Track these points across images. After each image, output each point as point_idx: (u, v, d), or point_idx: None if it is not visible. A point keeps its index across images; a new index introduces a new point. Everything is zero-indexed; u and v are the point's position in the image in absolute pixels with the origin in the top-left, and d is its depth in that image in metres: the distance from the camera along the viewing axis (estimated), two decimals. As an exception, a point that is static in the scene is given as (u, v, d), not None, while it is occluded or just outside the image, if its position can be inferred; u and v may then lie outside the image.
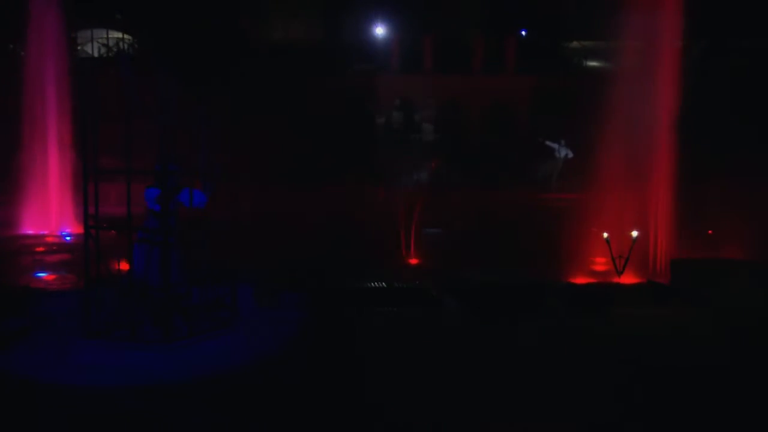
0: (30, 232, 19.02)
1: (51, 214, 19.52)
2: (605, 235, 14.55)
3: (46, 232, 18.94)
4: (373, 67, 35.35)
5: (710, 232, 16.70)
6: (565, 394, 7.54)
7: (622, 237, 14.74)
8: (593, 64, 36.83)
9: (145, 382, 7.63)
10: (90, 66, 8.31)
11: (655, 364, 8.53)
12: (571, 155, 22.83)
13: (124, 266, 8.55)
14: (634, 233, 14.37)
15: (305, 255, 16.44)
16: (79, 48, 32.62)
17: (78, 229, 17.53)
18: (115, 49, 33.06)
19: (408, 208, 18.50)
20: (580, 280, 14.54)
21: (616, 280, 13.94)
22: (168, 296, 8.14)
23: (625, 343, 9.55)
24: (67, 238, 18.19)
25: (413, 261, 17.20)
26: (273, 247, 16.39)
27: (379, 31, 37.37)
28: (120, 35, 34.65)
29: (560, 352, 9.09)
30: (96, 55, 31.59)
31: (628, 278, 14.13)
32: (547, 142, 24.89)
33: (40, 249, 16.90)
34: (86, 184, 8.45)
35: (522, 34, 37.12)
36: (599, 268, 15.35)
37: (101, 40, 34.11)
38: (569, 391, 7.60)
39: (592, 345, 9.45)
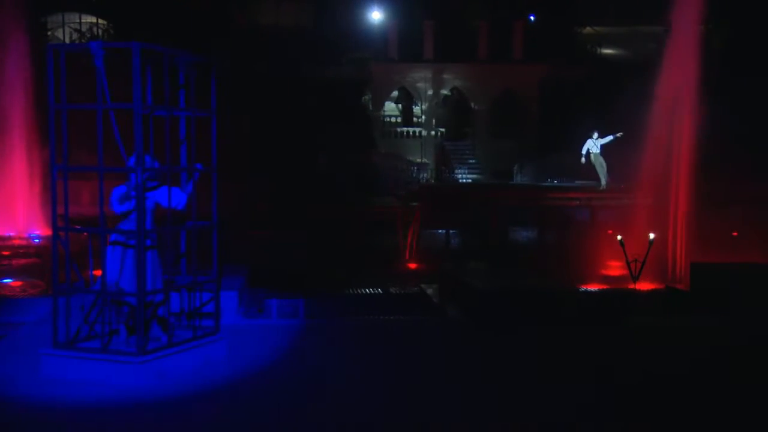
0: (-6, 234, 18.99)
1: (17, 215, 19.46)
2: (619, 237, 14.57)
3: (11, 234, 18.89)
4: (369, 55, 35.31)
5: (735, 233, 16.73)
6: (572, 414, 7.52)
7: (636, 239, 14.75)
8: (608, 51, 36.89)
9: (118, 397, 7.60)
10: (60, 52, 8.24)
11: (675, 378, 8.52)
12: (617, 135, 21.51)
13: (97, 271, 8.51)
14: (651, 235, 14.38)
15: (299, 257, 16.46)
16: (49, 33, 32.61)
17: (46, 231, 17.54)
18: (88, 35, 33.04)
19: (408, 210, 18.53)
20: (593, 285, 14.56)
21: (631, 285, 13.95)
22: (144, 303, 8.12)
23: (640, 355, 9.54)
24: (35, 241, 18.15)
25: (413, 265, 17.23)
26: (265, 250, 16.41)
27: (376, 15, 37.32)
28: (93, 19, 34.62)
29: (569, 366, 9.07)
30: (67, 40, 31.54)
31: (644, 284, 14.14)
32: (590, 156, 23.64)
33: (6, 252, 16.87)
34: (55, 181, 8.42)
35: (530, 19, 37.10)
36: (613, 272, 15.37)
37: (73, 25, 34.09)
38: (576, 411, 7.59)
39: (606, 358, 9.44)
